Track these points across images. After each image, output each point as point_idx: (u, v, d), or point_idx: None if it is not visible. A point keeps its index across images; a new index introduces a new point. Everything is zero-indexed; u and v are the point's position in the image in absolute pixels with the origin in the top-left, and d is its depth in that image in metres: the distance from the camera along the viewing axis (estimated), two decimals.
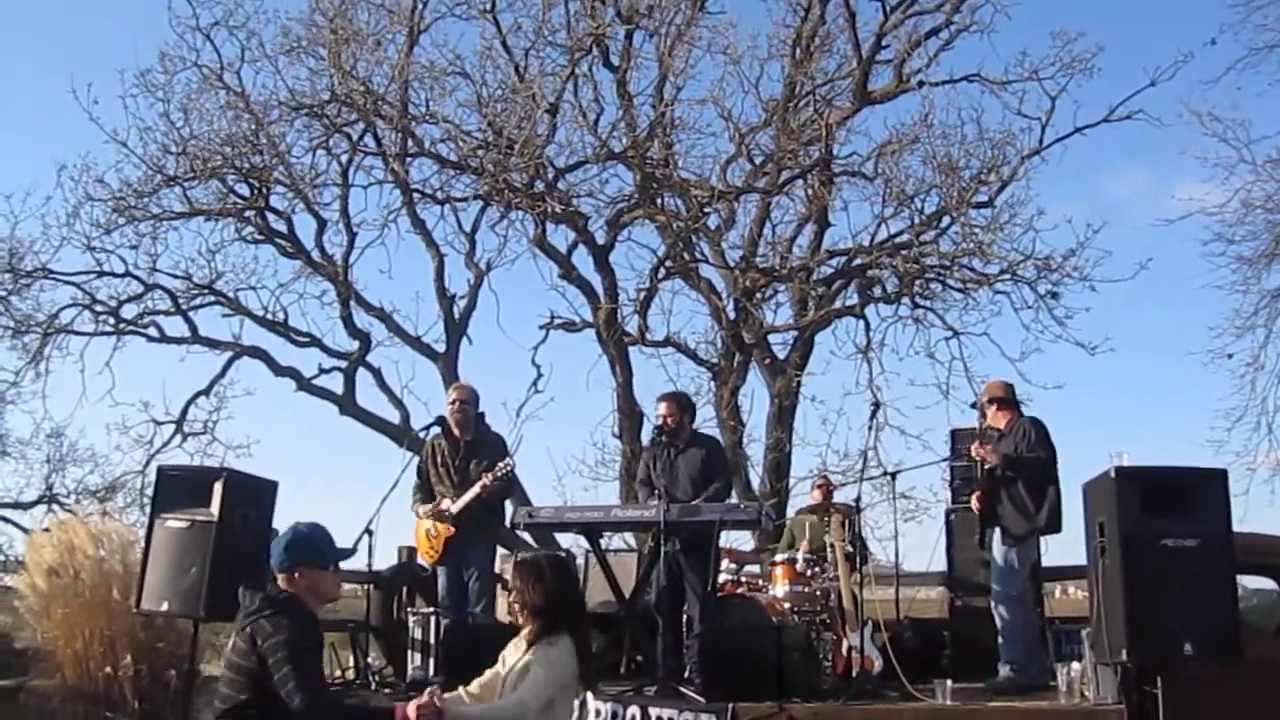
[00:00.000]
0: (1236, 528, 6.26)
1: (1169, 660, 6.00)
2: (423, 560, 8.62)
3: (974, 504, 8.04)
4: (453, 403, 8.69)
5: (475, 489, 8.19)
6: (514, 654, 4.76)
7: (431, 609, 8.33)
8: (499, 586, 8.64)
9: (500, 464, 8.21)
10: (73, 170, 15.12)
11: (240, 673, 4.48)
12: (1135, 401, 32.94)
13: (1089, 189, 27.94)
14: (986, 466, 7.84)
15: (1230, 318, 15.31)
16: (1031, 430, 7.83)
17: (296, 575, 4.61)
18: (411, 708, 4.43)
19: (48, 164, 27.46)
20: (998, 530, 7.81)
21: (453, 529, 8.31)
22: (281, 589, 4.64)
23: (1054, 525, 7.69)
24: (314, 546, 4.73)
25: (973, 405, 8.13)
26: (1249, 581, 8.71)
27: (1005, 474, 7.74)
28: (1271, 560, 7.80)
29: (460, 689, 4.84)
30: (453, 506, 8.32)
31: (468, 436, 8.57)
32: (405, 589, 9.95)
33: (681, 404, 8.75)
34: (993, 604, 7.89)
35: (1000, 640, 7.73)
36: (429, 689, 4.60)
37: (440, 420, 8.71)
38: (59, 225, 15.33)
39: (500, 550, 9.32)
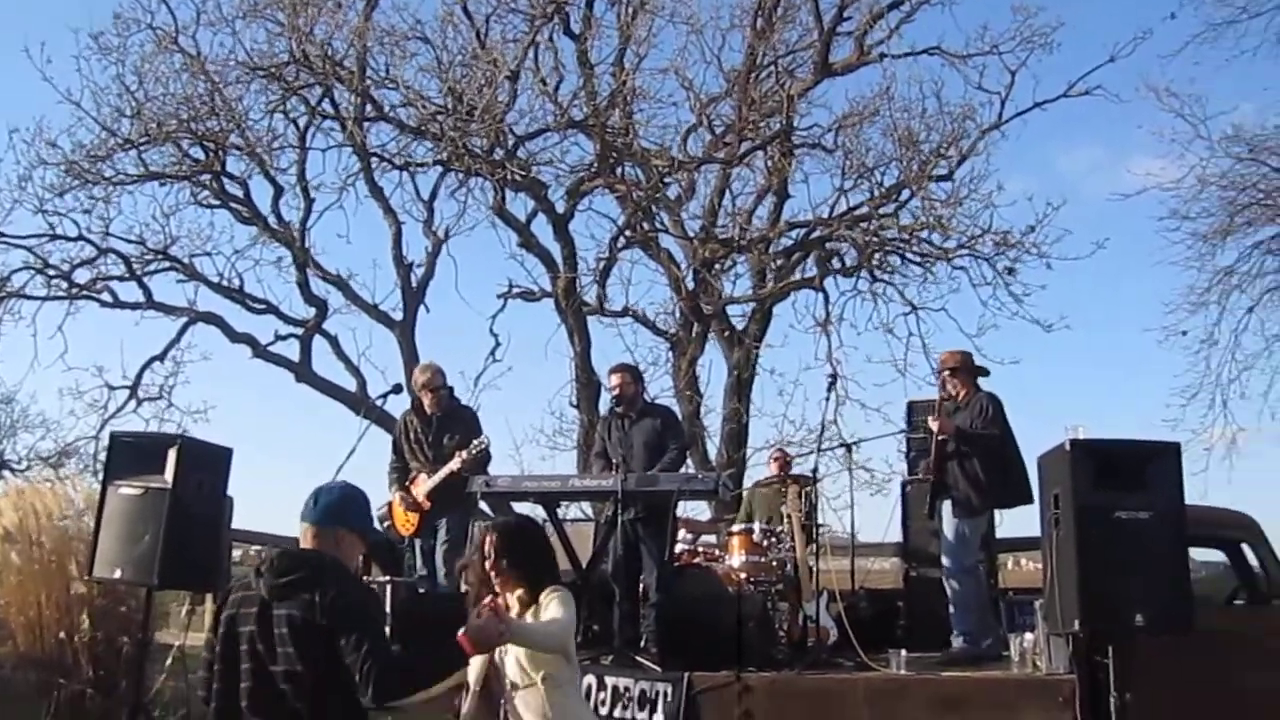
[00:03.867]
0: (1189, 502, 6.32)
1: (1120, 631, 6.04)
2: (400, 533, 8.59)
3: (921, 474, 8.06)
4: (424, 387, 8.66)
5: (451, 465, 8.19)
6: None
7: (387, 578, 8.29)
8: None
9: (475, 442, 8.19)
10: (25, 134, 14.94)
11: (298, 643, 3.61)
12: (1090, 379, 33.24)
13: (1045, 163, 28.09)
14: (940, 439, 7.86)
15: (1184, 294, 15.56)
16: (989, 406, 7.84)
17: (335, 537, 3.86)
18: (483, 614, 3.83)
19: None
20: (948, 502, 7.84)
21: (427, 504, 8.37)
22: (312, 548, 3.86)
23: (1025, 496, 7.64)
24: (364, 511, 4.08)
25: (938, 374, 8.12)
26: (1199, 554, 8.79)
27: (959, 447, 7.77)
28: (1222, 533, 7.89)
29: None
30: (425, 485, 8.38)
31: (439, 413, 8.61)
32: (361, 557, 9.86)
33: (634, 374, 8.80)
34: (944, 576, 7.93)
35: (952, 611, 7.78)
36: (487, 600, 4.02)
37: (397, 388, 8.65)
38: (10, 188, 15.16)
39: None
